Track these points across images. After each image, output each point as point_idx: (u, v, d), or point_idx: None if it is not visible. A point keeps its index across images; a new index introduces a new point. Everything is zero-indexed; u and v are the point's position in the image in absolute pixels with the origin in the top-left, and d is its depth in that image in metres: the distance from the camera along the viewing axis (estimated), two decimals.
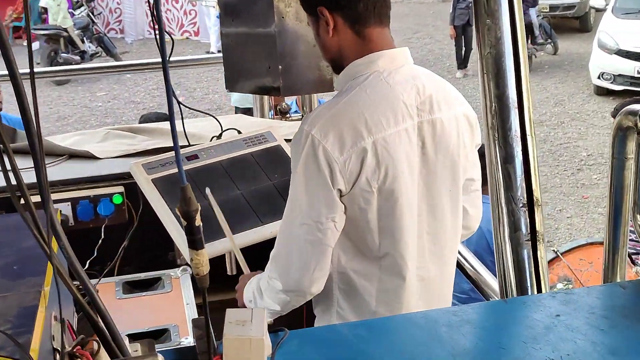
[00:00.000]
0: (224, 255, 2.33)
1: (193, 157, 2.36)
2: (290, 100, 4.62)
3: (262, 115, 3.61)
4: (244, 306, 1.93)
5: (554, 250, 3.67)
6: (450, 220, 1.85)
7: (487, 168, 1.54)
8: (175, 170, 2.29)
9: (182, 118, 2.57)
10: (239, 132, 2.61)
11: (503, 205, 1.51)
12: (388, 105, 1.69)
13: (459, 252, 2.08)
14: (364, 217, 1.71)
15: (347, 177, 1.65)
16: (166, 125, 3.05)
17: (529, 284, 1.47)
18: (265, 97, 3.58)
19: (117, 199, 2.44)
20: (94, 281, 2.09)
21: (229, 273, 2.37)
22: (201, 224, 1.08)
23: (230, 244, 2.09)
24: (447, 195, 1.82)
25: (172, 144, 2.64)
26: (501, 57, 1.53)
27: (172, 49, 1.97)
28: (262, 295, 1.81)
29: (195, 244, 1.08)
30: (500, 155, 1.52)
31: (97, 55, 13.09)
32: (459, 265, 2.30)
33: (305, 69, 2.24)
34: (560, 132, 8.62)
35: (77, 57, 12.48)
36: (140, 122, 4.88)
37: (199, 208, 1.05)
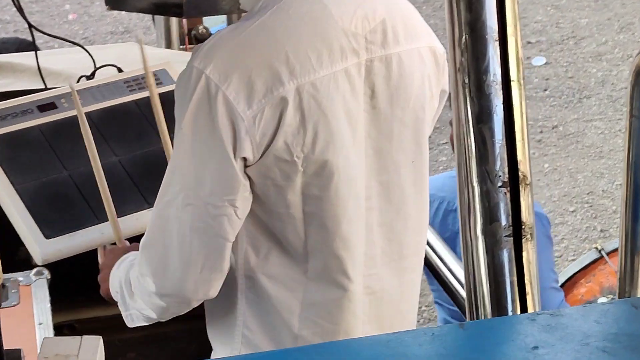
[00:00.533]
0: (97, 252, 2.32)
1: (48, 106, 2.32)
2: (214, 25, 4.56)
3: (169, 44, 3.58)
4: (109, 296, 1.93)
5: (597, 249, 3.64)
6: (414, 204, 1.83)
7: (454, 130, 1.51)
8: (24, 125, 2.27)
9: (35, 47, 2.53)
10: (120, 70, 2.57)
11: (474, 184, 1.47)
12: (320, 35, 1.67)
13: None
14: (281, 198, 1.69)
15: (256, 141, 1.63)
16: (17, 58, 3.00)
17: (508, 300, 1.45)
18: (174, 19, 3.57)
19: None
20: None
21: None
22: None
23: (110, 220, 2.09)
24: (408, 168, 1.80)
25: (28, 86, 2.68)
26: None
27: None
28: (132, 293, 1.81)
29: None
30: (472, 111, 1.47)
31: None
32: (427, 261, 2.29)
33: None
34: (626, 71, 8.65)
35: None
36: None
37: None
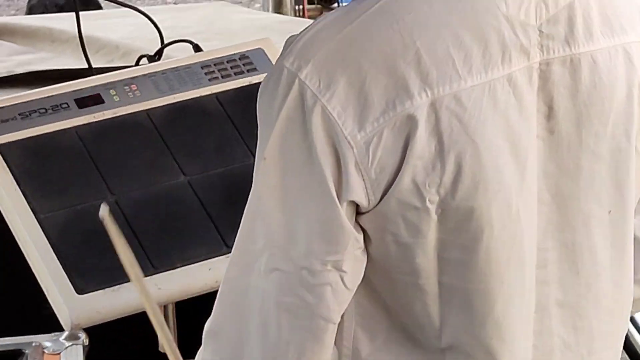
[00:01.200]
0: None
1: (91, 99, 2.42)
2: None
3: (279, 5, 3.60)
4: None
5: None
6: (611, 275, 1.85)
7: None
8: (55, 127, 2.38)
9: (77, 9, 2.63)
10: (197, 49, 2.66)
11: None
12: (471, 25, 1.69)
13: None
14: (407, 263, 1.72)
15: (371, 177, 1.66)
16: (59, 22, 3.10)
17: None
18: None
19: None
20: None
21: (161, 349, 2.45)
22: None
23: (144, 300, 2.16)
24: (603, 223, 1.82)
25: (69, 64, 2.78)
26: None
27: None
28: None
29: None
30: None
31: None
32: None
33: None
34: None
35: None
36: (30, 7, 4.96)
37: None
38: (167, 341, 2.13)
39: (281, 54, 1.69)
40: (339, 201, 1.65)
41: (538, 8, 1.72)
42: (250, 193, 1.73)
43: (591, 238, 1.82)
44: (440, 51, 1.67)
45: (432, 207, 1.68)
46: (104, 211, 2.04)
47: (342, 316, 1.75)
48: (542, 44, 1.73)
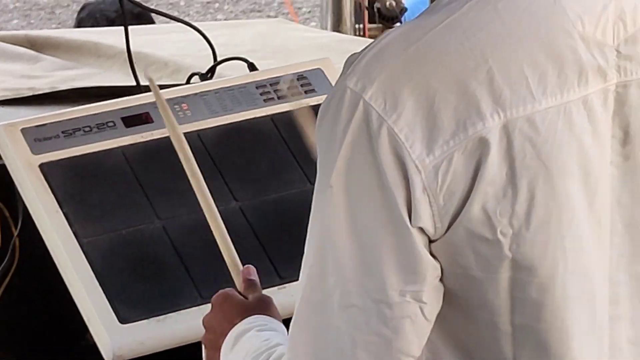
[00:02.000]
0: (200, 345, 2.39)
1: (139, 119, 2.43)
2: None
3: (338, 23, 3.64)
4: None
5: None
6: None
7: None
8: (99, 147, 2.38)
9: (126, 23, 2.63)
10: (252, 68, 2.66)
11: None
12: (545, 43, 1.68)
13: None
14: (478, 299, 1.70)
15: (439, 204, 1.64)
16: (106, 36, 3.12)
17: None
18: None
19: None
20: None
21: None
22: None
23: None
24: None
25: (116, 81, 2.79)
26: None
27: None
28: None
29: None
30: None
31: None
32: None
33: None
34: None
35: None
36: (79, 20, 5.02)
37: None
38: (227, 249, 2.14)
39: (342, 74, 1.67)
40: (412, 227, 1.64)
41: (616, 27, 1.72)
42: (312, 224, 1.71)
43: None
44: (513, 71, 1.66)
45: (505, 240, 1.66)
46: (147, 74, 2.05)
47: None
48: (620, 65, 1.72)
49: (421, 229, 1.64)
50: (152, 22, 4.16)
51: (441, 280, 1.69)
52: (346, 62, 1.69)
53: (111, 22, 4.31)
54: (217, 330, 1.99)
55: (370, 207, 1.65)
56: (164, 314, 2.26)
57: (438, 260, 1.68)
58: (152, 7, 4.49)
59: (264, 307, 1.99)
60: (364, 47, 1.71)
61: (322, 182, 1.68)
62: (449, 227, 1.66)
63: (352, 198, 1.66)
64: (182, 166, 2.32)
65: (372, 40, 1.73)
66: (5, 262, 2.50)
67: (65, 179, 2.33)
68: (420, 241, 1.64)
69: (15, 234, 2.51)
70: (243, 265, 2.13)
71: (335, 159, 1.66)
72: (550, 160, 1.67)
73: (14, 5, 10.31)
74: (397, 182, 1.63)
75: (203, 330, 2.26)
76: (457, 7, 1.69)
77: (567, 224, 1.69)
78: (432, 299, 1.68)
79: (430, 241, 1.67)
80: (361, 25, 3.68)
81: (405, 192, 1.64)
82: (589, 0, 1.71)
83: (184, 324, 2.25)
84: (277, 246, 2.33)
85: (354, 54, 1.70)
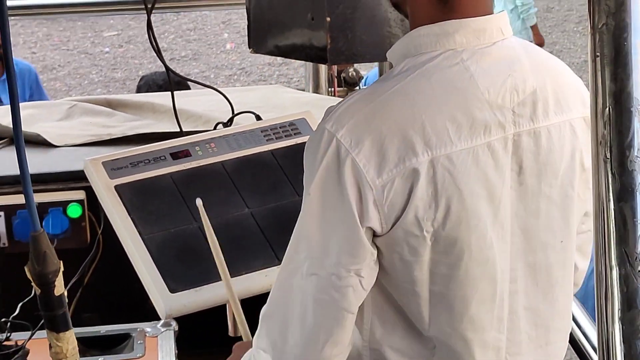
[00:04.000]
0: (225, 307, 2.38)
1: (182, 153, 2.41)
2: (366, 68, 4.62)
3: (316, 87, 3.64)
4: None
5: None
6: (561, 287, 1.83)
7: (593, 205, 1.51)
8: (156, 173, 2.37)
9: (172, 89, 2.63)
10: (258, 118, 2.65)
11: (612, 265, 1.47)
12: (462, 106, 1.67)
13: None
14: (407, 274, 1.70)
15: (384, 212, 1.64)
16: (159, 98, 3.12)
17: None
18: None
19: (75, 211, 2.51)
20: (22, 335, 2.15)
21: (230, 334, 2.42)
22: (65, 293, 1.10)
23: (226, 292, 2.14)
24: (556, 249, 1.80)
25: (166, 128, 2.79)
26: (623, 33, 1.48)
27: None
28: None
29: (55, 323, 1.11)
30: (613, 188, 1.46)
31: None
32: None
33: (368, 24, 2.25)
34: None
35: None
36: (138, 87, 5.01)
37: (60, 268, 1.07)
38: (240, 322, 2.13)
39: (323, 119, 1.70)
40: (362, 226, 1.65)
41: (511, 95, 1.72)
42: (298, 219, 1.73)
43: (547, 260, 1.80)
44: (439, 123, 1.66)
45: (428, 236, 1.68)
46: (199, 203, 2.05)
47: (363, 308, 1.75)
48: (515, 120, 1.72)
49: (369, 228, 1.66)
50: (189, 88, 4.15)
51: (380, 263, 1.71)
52: (326, 111, 1.72)
53: (160, 88, 4.27)
54: None
55: (334, 210, 1.67)
56: (199, 286, 2.24)
57: (379, 249, 1.69)
58: (190, 77, 4.46)
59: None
60: (334, 103, 1.73)
61: (305, 190, 1.70)
62: (391, 227, 1.66)
63: (323, 203, 1.67)
64: (213, 188, 2.33)
65: (340, 99, 1.75)
66: (92, 253, 2.50)
67: (132, 196, 2.32)
68: (365, 235, 1.66)
69: (99, 232, 2.50)
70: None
71: (314, 176, 1.67)
72: (462, 184, 1.67)
73: (98, 79, 10.27)
74: (354, 195, 1.64)
75: (225, 298, 2.26)
76: (403, 78, 1.69)
77: (473, 227, 1.69)
78: (369, 274, 1.69)
79: (376, 235, 1.68)
80: (332, 89, 3.67)
81: (359, 203, 1.65)
82: (493, 77, 1.70)
83: (213, 292, 2.24)
84: (276, 238, 2.32)
85: (331, 106, 1.72)
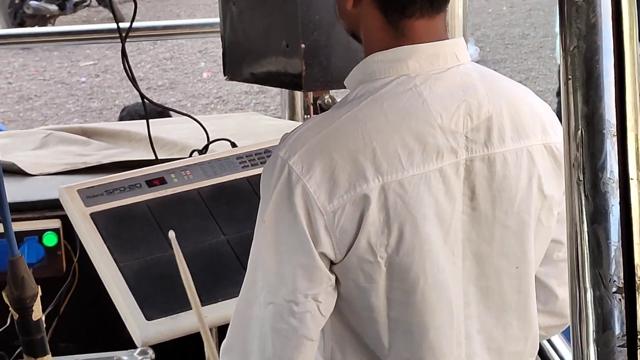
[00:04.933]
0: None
1: (157, 181, 2.41)
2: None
3: (292, 114, 3.64)
4: None
5: None
6: (516, 311, 1.83)
7: (567, 228, 1.51)
8: (131, 200, 2.37)
9: (147, 117, 2.64)
10: (234, 145, 2.66)
11: (586, 287, 1.47)
12: (414, 132, 1.67)
13: None
14: (364, 300, 1.70)
15: (336, 238, 1.65)
16: (135, 126, 3.13)
17: None
18: None
19: (50, 239, 2.51)
20: None
21: None
22: (42, 318, 1.10)
23: (199, 324, 2.13)
24: (510, 275, 1.79)
25: (141, 156, 2.80)
26: (594, 56, 1.50)
27: None
28: None
29: (33, 348, 1.11)
30: (587, 210, 1.46)
31: (86, 4, 13.44)
32: None
33: (343, 50, 2.26)
34: None
35: (54, 7, 12.84)
36: (121, 117, 5.02)
37: (38, 292, 1.07)
38: (210, 349, 2.11)
39: (277, 146, 1.71)
40: (315, 250, 1.66)
41: (465, 120, 1.71)
42: (252, 247, 1.74)
43: (501, 285, 1.80)
44: (390, 149, 1.66)
45: (382, 262, 1.67)
46: (172, 235, 2.04)
47: (323, 336, 1.75)
48: (468, 146, 1.71)
49: (323, 254, 1.66)
50: (169, 116, 4.15)
51: (337, 290, 1.71)
52: (281, 138, 1.72)
53: (141, 117, 4.22)
54: None
55: (288, 236, 1.66)
56: (176, 313, 2.23)
57: (335, 275, 1.69)
58: (169, 106, 4.48)
59: None
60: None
61: (259, 218, 1.70)
62: (345, 255, 1.66)
63: (277, 230, 1.67)
64: (188, 215, 2.33)
65: None
66: (68, 281, 2.50)
67: (107, 223, 2.32)
68: (320, 261, 1.66)
69: (75, 261, 2.50)
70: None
71: (268, 202, 1.67)
72: (414, 210, 1.67)
73: (74, 109, 10.25)
74: (306, 220, 1.64)
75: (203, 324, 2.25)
76: (356, 104, 1.69)
77: (426, 253, 1.69)
78: (326, 300, 1.69)
79: (333, 263, 1.68)
80: (308, 116, 3.67)
81: (310, 228, 1.65)
82: (446, 102, 1.70)
83: (189, 320, 2.21)
84: None
85: (286, 133, 1.73)
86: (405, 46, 1.70)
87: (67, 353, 2.49)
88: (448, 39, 1.75)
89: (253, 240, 1.73)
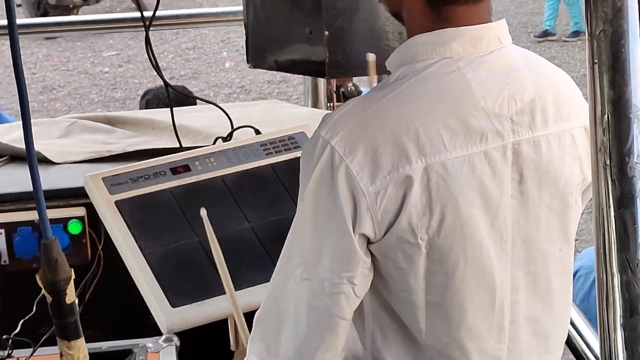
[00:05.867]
0: (227, 321, 2.37)
1: (182, 168, 2.41)
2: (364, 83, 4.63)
3: (315, 102, 3.64)
4: None
5: None
6: (560, 296, 1.83)
7: (593, 212, 1.50)
8: (156, 188, 2.37)
9: (171, 105, 2.63)
10: (257, 132, 2.65)
11: (613, 272, 1.47)
12: (458, 114, 1.67)
13: None
14: (403, 282, 1.70)
15: (377, 218, 1.64)
16: (159, 114, 3.12)
17: None
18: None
19: (75, 227, 2.50)
20: (24, 352, 2.16)
21: (232, 349, 2.41)
22: (76, 301, 1.11)
23: (230, 304, 2.14)
24: (555, 258, 1.80)
25: (166, 144, 2.80)
26: (620, 40, 1.49)
27: None
28: None
29: (66, 331, 1.11)
30: (613, 195, 1.46)
31: None
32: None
33: (366, 37, 2.26)
34: None
35: None
36: (141, 102, 5.01)
37: (72, 276, 1.08)
38: (243, 331, 2.12)
39: (319, 127, 1.69)
40: (354, 233, 1.65)
41: (509, 103, 1.71)
42: (292, 223, 1.74)
43: (547, 269, 1.80)
44: (433, 131, 1.65)
45: (422, 244, 1.67)
46: (203, 213, 2.04)
47: (364, 316, 1.76)
48: (514, 129, 1.71)
49: (363, 235, 1.65)
50: (194, 103, 4.14)
51: (377, 270, 1.70)
52: (322, 119, 1.72)
53: (165, 105, 4.20)
54: None
55: (327, 217, 1.66)
56: (201, 300, 2.24)
57: (373, 256, 1.69)
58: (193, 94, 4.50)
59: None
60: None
61: (299, 196, 1.70)
62: (385, 234, 1.66)
63: (316, 209, 1.67)
64: (213, 202, 2.33)
65: None
66: (93, 268, 2.49)
67: (132, 211, 2.32)
68: (358, 243, 1.66)
69: (100, 248, 2.50)
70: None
71: (308, 181, 1.67)
72: (457, 192, 1.66)
73: (98, 99, 10.30)
74: (347, 202, 1.64)
75: (226, 312, 2.26)
76: (398, 85, 1.69)
77: (469, 236, 1.68)
78: (361, 282, 1.68)
79: (370, 242, 1.67)
80: (331, 104, 3.67)
81: (352, 209, 1.64)
82: (490, 85, 1.69)
83: (214, 306, 2.24)
84: (278, 253, 2.28)
85: (328, 113, 1.74)
86: (449, 29, 1.69)
87: (92, 340, 2.47)
88: (492, 21, 1.74)
89: (294, 218, 1.73)
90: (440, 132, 1.65)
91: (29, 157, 1.17)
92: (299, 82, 9.47)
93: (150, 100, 4.98)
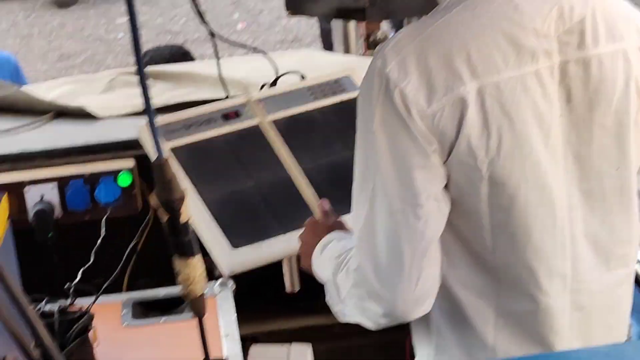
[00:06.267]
0: (281, 263, 2.41)
1: (232, 115, 2.43)
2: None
3: (347, 50, 3.64)
4: (309, 270, 1.96)
5: None
6: (619, 213, 1.84)
7: None
8: (209, 134, 2.40)
9: (218, 56, 2.64)
10: (303, 78, 2.66)
11: None
12: (508, 35, 1.69)
13: None
14: (467, 204, 1.72)
15: (438, 140, 1.67)
16: (197, 66, 3.13)
17: None
18: (352, 23, 3.62)
19: (125, 179, 2.53)
20: (87, 300, 2.18)
21: (288, 290, 2.44)
22: (189, 222, 1.13)
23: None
24: (612, 176, 1.80)
25: (208, 95, 2.80)
26: None
27: None
28: (340, 293, 1.82)
29: (182, 248, 1.14)
30: None
31: None
32: None
33: None
34: None
35: None
36: (145, 63, 4.95)
37: (185, 196, 1.10)
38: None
39: (373, 58, 1.72)
40: (429, 149, 1.67)
41: (557, 22, 1.72)
42: (358, 160, 1.74)
43: (602, 187, 1.80)
44: (485, 52, 1.68)
45: (483, 167, 1.69)
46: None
47: None
48: (561, 49, 1.72)
49: (435, 151, 1.68)
50: (192, 59, 4.11)
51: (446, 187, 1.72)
52: (376, 49, 1.76)
53: (168, 62, 4.13)
54: (310, 242, 1.97)
55: (401, 141, 1.68)
56: (259, 241, 2.27)
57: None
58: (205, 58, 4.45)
59: (340, 225, 1.98)
60: (367, 63, 1.75)
61: (364, 130, 1.72)
62: (447, 158, 1.69)
63: (389, 137, 1.68)
64: (264, 147, 2.35)
65: (370, 60, 1.75)
66: (147, 218, 2.52)
67: (187, 157, 2.34)
68: (434, 158, 1.68)
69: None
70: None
71: (373, 113, 1.69)
72: (512, 112, 1.69)
73: (114, 65, 10.28)
74: (415, 122, 1.67)
75: (284, 252, 2.29)
76: (449, 11, 1.71)
77: (526, 155, 1.71)
78: (444, 197, 1.71)
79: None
80: (362, 52, 3.68)
81: (417, 130, 1.67)
82: (538, 5, 1.71)
83: (272, 248, 2.27)
84: (329, 193, 2.32)
85: (381, 44, 1.75)
86: None
87: (146, 288, 2.51)
88: None
89: (357, 155, 1.74)
90: (492, 54, 1.67)
91: (139, 72, 1.18)
92: (311, 40, 9.42)
93: (148, 62, 4.94)
